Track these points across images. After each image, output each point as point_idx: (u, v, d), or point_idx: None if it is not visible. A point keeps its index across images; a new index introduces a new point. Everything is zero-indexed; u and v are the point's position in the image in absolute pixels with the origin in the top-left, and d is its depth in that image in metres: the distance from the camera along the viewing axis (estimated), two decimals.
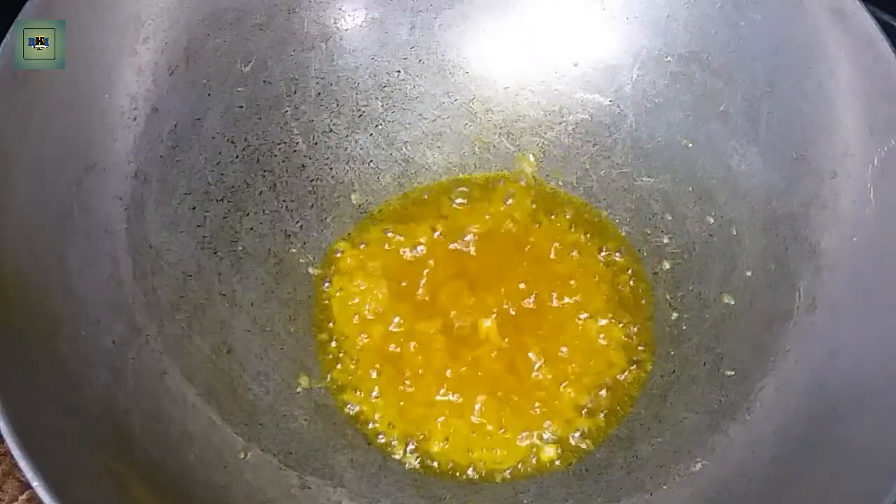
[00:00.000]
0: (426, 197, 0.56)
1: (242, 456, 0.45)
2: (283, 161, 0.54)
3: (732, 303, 0.50)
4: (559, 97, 0.56)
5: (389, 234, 0.55)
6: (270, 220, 0.53)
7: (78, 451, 0.39)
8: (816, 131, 0.48)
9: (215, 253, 0.51)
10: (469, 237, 0.54)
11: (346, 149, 0.56)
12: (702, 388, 0.49)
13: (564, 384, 0.50)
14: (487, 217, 0.55)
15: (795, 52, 0.48)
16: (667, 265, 0.53)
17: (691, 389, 0.49)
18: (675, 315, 0.52)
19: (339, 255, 0.54)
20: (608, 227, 0.55)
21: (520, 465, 0.48)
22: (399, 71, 0.56)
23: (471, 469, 0.48)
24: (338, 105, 0.56)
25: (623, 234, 0.55)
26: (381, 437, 0.49)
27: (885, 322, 0.43)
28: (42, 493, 0.35)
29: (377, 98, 0.56)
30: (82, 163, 0.45)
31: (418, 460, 0.49)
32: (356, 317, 0.52)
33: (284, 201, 0.54)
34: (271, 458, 0.46)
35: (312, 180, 0.55)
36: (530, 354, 0.50)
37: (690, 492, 0.45)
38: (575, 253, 0.54)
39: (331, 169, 0.56)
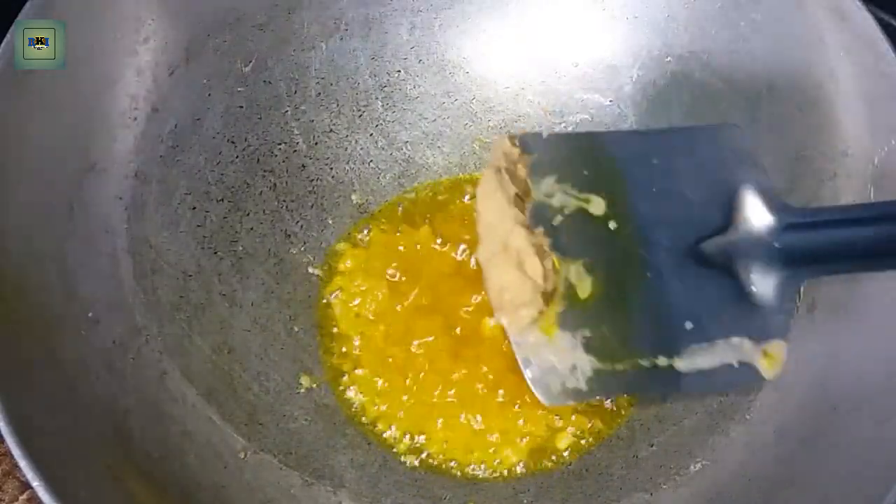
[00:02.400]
0: (426, 196, 0.56)
1: (242, 456, 0.45)
2: (284, 161, 0.54)
3: None
4: (559, 97, 0.56)
5: (390, 234, 0.55)
6: (270, 220, 0.53)
7: (78, 451, 0.39)
8: (816, 131, 0.48)
9: (215, 253, 0.51)
10: (469, 237, 0.54)
11: (346, 149, 0.56)
12: None
13: None
14: None
15: (795, 52, 0.48)
16: None
17: None
18: None
19: (339, 255, 0.54)
20: None
21: (520, 465, 0.48)
22: (399, 71, 0.56)
23: (471, 469, 0.48)
24: (338, 105, 0.56)
25: None
26: (381, 436, 0.49)
27: (885, 322, 0.43)
28: (42, 493, 0.35)
29: (377, 98, 0.56)
30: (82, 163, 0.45)
31: (419, 460, 0.49)
32: (357, 317, 0.52)
33: (284, 201, 0.54)
34: (271, 458, 0.46)
35: (312, 180, 0.55)
36: None
37: (690, 492, 0.45)
38: None
39: (331, 169, 0.56)
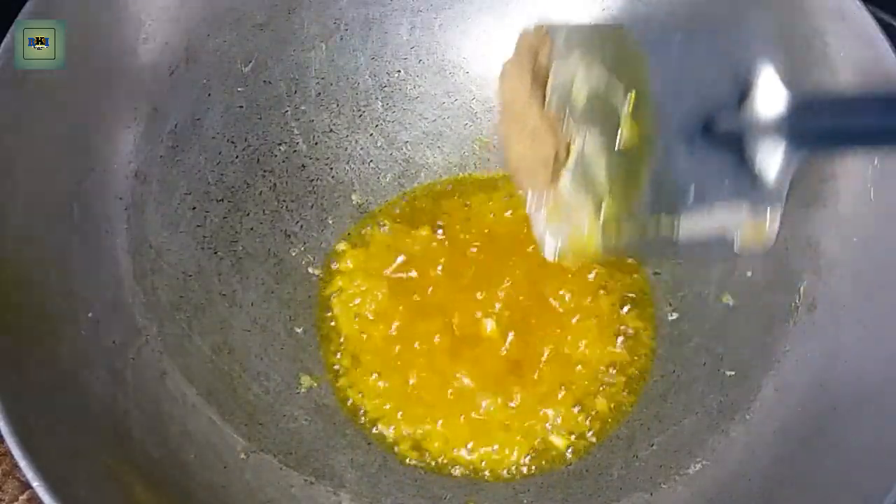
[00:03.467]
0: (426, 196, 0.56)
1: (242, 456, 0.45)
2: (283, 161, 0.54)
3: (732, 303, 0.50)
4: None
5: (390, 234, 0.55)
6: (270, 220, 0.53)
7: (78, 451, 0.39)
8: None
9: (215, 253, 0.51)
10: (469, 237, 0.54)
11: (346, 149, 0.56)
12: (702, 388, 0.49)
13: (565, 383, 0.50)
14: (488, 217, 0.55)
15: (795, 52, 0.48)
16: (667, 265, 0.53)
17: (691, 389, 0.49)
18: (675, 315, 0.52)
19: (339, 255, 0.54)
20: None
21: (520, 465, 0.48)
22: (399, 71, 0.56)
23: (471, 468, 0.48)
24: (338, 105, 0.56)
25: None
26: (381, 436, 0.49)
27: (885, 322, 0.43)
28: (42, 493, 0.35)
29: (377, 98, 0.56)
30: (82, 163, 0.45)
31: (419, 460, 0.49)
32: (357, 317, 0.52)
33: (284, 201, 0.54)
34: (271, 458, 0.46)
35: (312, 180, 0.55)
36: (531, 354, 0.50)
37: (690, 492, 0.45)
38: None
39: (331, 169, 0.56)
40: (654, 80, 0.42)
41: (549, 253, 0.41)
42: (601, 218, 0.41)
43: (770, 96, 0.40)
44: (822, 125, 0.40)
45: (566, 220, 0.41)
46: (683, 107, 0.41)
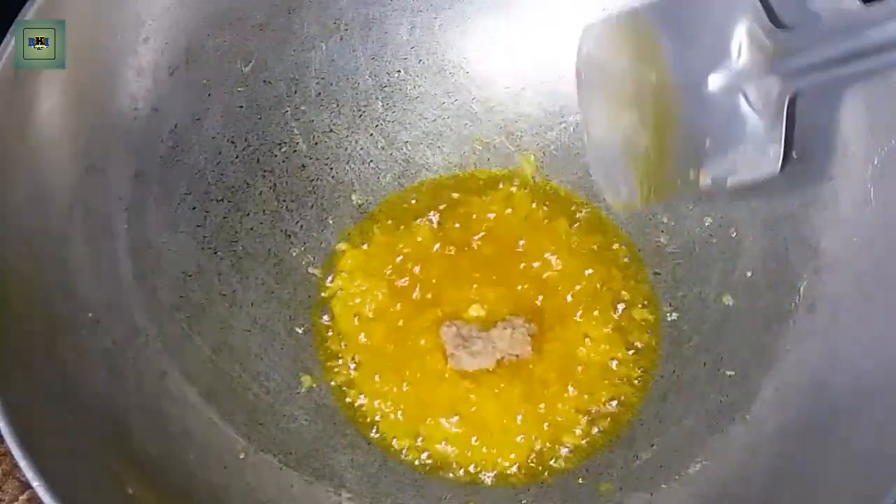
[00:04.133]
0: (426, 196, 0.56)
1: (242, 456, 0.45)
2: (284, 161, 0.54)
3: (732, 303, 0.50)
4: (560, 97, 0.56)
5: (390, 234, 0.55)
6: (270, 220, 0.53)
7: (78, 451, 0.39)
8: (816, 131, 0.48)
9: (215, 253, 0.51)
10: (469, 237, 0.54)
11: (346, 149, 0.56)
12: (702, 388, 0.49)
13: (565, 384, 0.50)
14: (488, 217, 0.55)
15: None
16: (667, 265, 0.53)
17: (691, 389, 0.49)
18: (675, 315, 0.52)
19: (339, 255, 0.54)
20: (608, 227, 0.55)
21: (520, 465, 0.48)
22: (399, 71, 0.56)
23: (471, 469, 0.48)
24: (338, 105, 0.56)
25: (623, 234, 0.55)
26: (381, 436, 0.49)
27: (885, 322, 0.43)
28: (42, 493, 0.35)
29: (377, 98, 0.56)
30: (82, 163, 0.45)
31: (419, 460, 0.49)
32: (356, 317, 0.52)
33: (284, 201, 0.54)
34: (271, 458, 0.46)
35: (312, 180, 0.55)
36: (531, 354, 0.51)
37: (690, 492, 0.45)
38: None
39: (331, 169, 0.56)
40: (666, 55, 0.47)
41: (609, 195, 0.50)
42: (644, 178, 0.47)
43: (758, 45, 0.44)
44: (805, 58, 0.43)
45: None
46: (693, 69, 0.46)
